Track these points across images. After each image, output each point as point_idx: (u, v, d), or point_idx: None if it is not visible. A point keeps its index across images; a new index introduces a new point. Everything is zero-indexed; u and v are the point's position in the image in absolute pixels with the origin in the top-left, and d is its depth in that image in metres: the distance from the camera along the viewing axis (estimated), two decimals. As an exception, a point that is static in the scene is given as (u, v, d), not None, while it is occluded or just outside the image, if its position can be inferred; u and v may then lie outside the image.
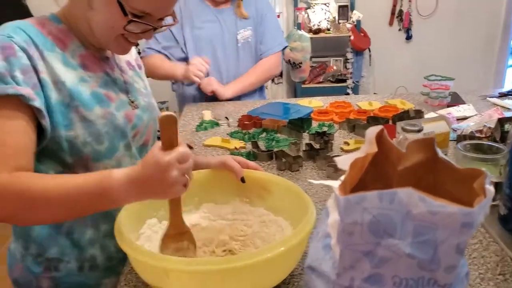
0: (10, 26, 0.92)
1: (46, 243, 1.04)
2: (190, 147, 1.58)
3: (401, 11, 3.70)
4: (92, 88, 0.99)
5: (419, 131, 1.17)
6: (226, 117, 1.93)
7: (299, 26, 3.48)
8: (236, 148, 1.59)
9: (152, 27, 0.98)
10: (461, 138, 1.42)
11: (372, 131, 0.60)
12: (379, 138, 0.59)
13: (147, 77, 1.99)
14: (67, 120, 0.95)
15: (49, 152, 0.96)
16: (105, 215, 1.05)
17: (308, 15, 3.54)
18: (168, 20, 1.04)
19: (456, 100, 1.94)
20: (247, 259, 0.80)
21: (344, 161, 0.57)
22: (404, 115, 1.77)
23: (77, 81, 0.97)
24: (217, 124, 1.87)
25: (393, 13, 3.72)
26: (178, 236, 0.93)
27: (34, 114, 0.90)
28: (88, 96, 0.97)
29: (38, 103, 0.89)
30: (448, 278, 0.47)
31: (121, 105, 1.04)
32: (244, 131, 1.77)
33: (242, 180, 1.09)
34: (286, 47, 2.28)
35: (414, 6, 3.72)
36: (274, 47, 2.20)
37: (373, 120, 1.77)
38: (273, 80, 3.62)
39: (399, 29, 3.76)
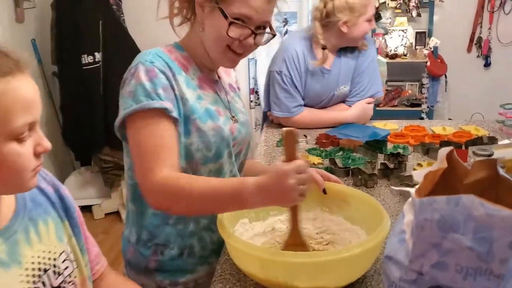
0: (150, 53, 1.14)
1: (156, 231, 1.24)
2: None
3: (480, 38, 3.71)
4: (205, 105, 1.19)
5: (489, 155, 1.25)
6: (305, 135, 2.08)
7: (376, 51, 3.59)
8: (314, 164, 1.73)
9: (252, 31, 1.15)
10: (532, 164, 1.48)
11: (444, 151, 0.73)
12: (449, 156, 0.72)
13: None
14: (187, 129, 1.15)
15: None
16: None
17: (385, 41, 3.64)
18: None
19: (531, 128, 1.98)
20: (328, 255, 0.95)
21: (419, 175, 0.70)
22: (477, 141, 1.84)
23: (195, 98, 1.17)
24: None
25: (471, 40, 3.73)
26: (295, 247, 1.06)
27: (174, 123, 1.11)
28: (203, 111, 1.17)
29: (176, 114, 1.11)
30: (501, 269, 0.59)
31: (226, 120, 1.23)
32: (321, 149, 1.90)
33: (324, 191, 1.23)
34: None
35: (494, 33, 3.71)
36: (362, 96, 2.21)
37: (446, 144, 1.84)
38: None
39: (477, 56, 3.76)
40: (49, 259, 0.87)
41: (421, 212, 0.61)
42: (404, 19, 3.61)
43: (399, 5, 3.62)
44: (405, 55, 3.63)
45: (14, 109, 0.74)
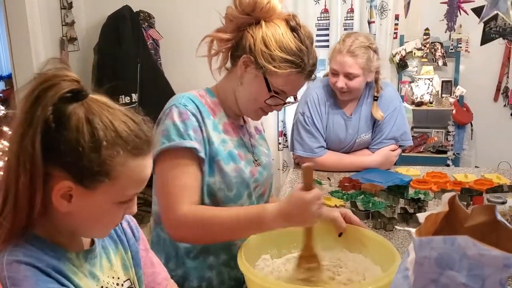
0: (184, 97, 1.27)
1: (179, 262, 1.32)
2: None
3: (506, 88, 3.76)
4: (229, 148, 1.29)
5: (502, 203, 1.31)
6: (328, 178, 2.15)
7: (402, 98, 3.66)
8: (336, 206, 1.80)
9: (284, 102, 1.29)
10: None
11: (447, 196, 0.80)
12: (452, 201, 0.79)
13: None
14: (211, 169, 1.25)
15: None
16: (224, 247, 1.33)
17: (411, 88, 3.72)
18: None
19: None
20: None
21: (422, 216, 0.78)
22: (497, 189, 1.88)
23: (219, 142, 1.27)
24: (320, 183, 2.09)
25: (498, 89, 3.78)
26: (309, 258, 1.18)
27: (200, 163, 1.21)
28: (226, 154, 1.27)
29: (203, 154, 1.22)
30: (493, 305, 0.65)
31: (248, 163, 1.33)
32: (343, 192, 1.97)
33: (339, 235, 1.30)
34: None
35: (521, 83, 3.76)
36: (385, 144, 2.27)
37: (467, 191, 1.88)
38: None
39: (504, 105, 3.80)
40: (117, 284, 0.96)
41: (421, 250, 0.68)
42: (431, 68, 3.69)
43: (425, 54, 3.71)
44: (431, 103, 3.69)
45: (134, 183, 0.86)
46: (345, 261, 1.25)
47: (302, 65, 1.24)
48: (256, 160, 1.38)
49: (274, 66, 1.22)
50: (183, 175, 1.19)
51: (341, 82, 2.11)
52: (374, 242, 1.25)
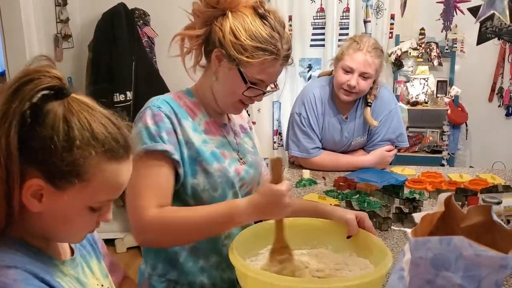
0: (159, 99, 1.25)
1: (168, 267, 1.30)
2: None
3: (501, 88, 3.77)
4: (211, 148, 1.27)
5: (498, 203, 1.31)
6: (323, 177, 2.15)
7: (397, 98, 3.66)
8: (331, 205, 1.79)
9: (263, 92, 1.27)
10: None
11: (443, 196, 0.80)
12: (448, 201, 0.79)
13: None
14: (193, 171, 1.24)
15: (177, 195, 1.25)
16: (214, 250, 1.32)
17: (407, 88, 3.72)
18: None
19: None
20: (333, 283, 1.03)
21: (419, 216, 0.77)
22: (492, 189, 1.88)
23: (201, 142, 1.25)
24: (315, 183, 2.09)
25: (493, 90, 3.78)
26: (281, 250, 1.17)
27: (174, 165, 1.20)
28: (209, 154, 1.26)
29: (177, 156, 1.20)
30: (489, 306, 0.65)
31: (232, 162, 1.32)
32: (338, 191, 1.96)
33: (348, 237, 1.28)
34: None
35: (515, 83, 3.77)
36: (380, 145, 2.27)
37: (462, 191, 1.89)
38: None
39: (499, 106, 3.81)
40: None
41: (416, 250, 0.68)
42: (426, 67, 3.69)
43: (420, 54, 3.71)
44: (426, 103, 3.69)
45: (107, 188, 0.84)
46: (351, 266, 1.24)
47: (275, 51, 1.21)
48: (242, 159, 1.37)
49: (246, 57, 1.19)
50: (152, 176, 1.16)
51: (354, 80, 2.09)
52: (377, 249, 1.23)
